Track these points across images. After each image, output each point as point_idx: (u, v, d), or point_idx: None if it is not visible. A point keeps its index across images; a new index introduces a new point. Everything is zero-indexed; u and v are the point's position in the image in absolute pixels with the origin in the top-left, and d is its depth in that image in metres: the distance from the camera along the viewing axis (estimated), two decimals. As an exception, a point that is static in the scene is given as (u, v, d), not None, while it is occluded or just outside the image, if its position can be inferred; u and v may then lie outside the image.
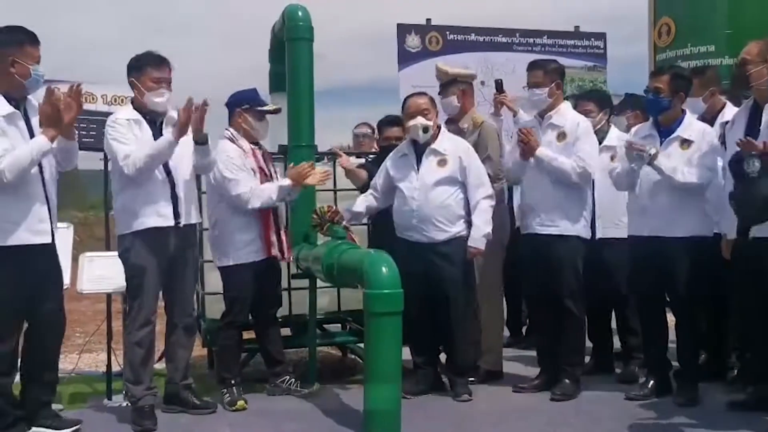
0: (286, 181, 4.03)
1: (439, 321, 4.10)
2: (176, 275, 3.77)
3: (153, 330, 3.74)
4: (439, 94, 4.56)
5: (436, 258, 4.03)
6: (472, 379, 4.25)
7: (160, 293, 3.78)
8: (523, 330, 5.61)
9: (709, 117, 4.23)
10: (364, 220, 4.61)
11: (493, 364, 4.46)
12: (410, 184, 4.07)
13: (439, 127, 4.18)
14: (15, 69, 3.24)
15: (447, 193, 4.05)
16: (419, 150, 4.12)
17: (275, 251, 4.05)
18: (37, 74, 3.29)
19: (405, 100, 4.26)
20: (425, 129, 4.04)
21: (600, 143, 4.27)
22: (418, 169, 4.08)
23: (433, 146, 4.09)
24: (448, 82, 4.53)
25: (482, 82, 6.50)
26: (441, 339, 4.20)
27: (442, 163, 4.07)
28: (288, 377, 4.18)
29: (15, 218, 3.25)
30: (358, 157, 5.09)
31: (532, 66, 4.20)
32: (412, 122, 4.08)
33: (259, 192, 3.97)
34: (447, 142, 4.14)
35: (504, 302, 4.87)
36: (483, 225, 4.03)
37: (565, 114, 4.12)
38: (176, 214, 3.68)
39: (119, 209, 3.70)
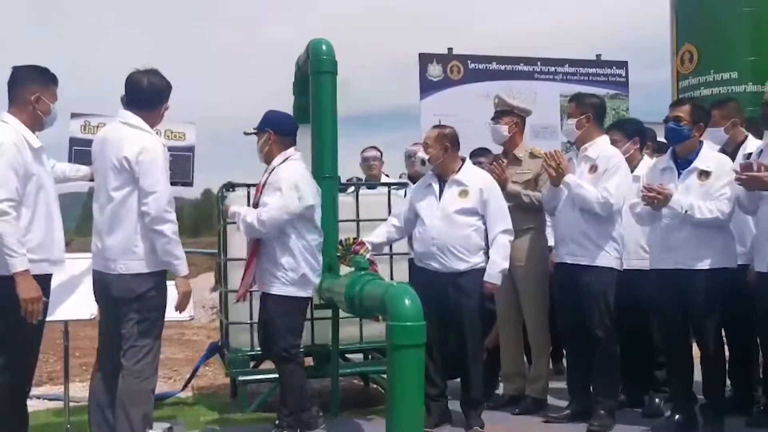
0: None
1: (453, 353, 4.12)
2: None
3: None
4: (492, 119, 4.62)
5: (454, 289, 4.05)
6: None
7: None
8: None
9: (729, 149, 4.21)
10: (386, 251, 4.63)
11: (540, 392, 4.45)
12: (431, 213, 4.12)
13: (463, 160, 4.25)
14: (39, 105, 3.32)
15: (467, 224, 4.08)
16: (442, 180, 4.18)
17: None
18: (54, 113, 3.41)
19: None
20: (422, 162, 4.19)
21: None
22: (439, 198, 4.13)
23: (455, 177, 4.15)
24: (503, 111, 4.58)
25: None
26: (453, 370, 4.20)
27: (464, 194, 4.12)
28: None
29: (44, 248, 3.25)
30: (369, 187, 5.14)
31: (571, 98, 4.40)
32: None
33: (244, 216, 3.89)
34: (470, 174, 4.20)
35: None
36: (501, 260, 4.06)
37: (600, 147, 4.18)
38: None
39: None
